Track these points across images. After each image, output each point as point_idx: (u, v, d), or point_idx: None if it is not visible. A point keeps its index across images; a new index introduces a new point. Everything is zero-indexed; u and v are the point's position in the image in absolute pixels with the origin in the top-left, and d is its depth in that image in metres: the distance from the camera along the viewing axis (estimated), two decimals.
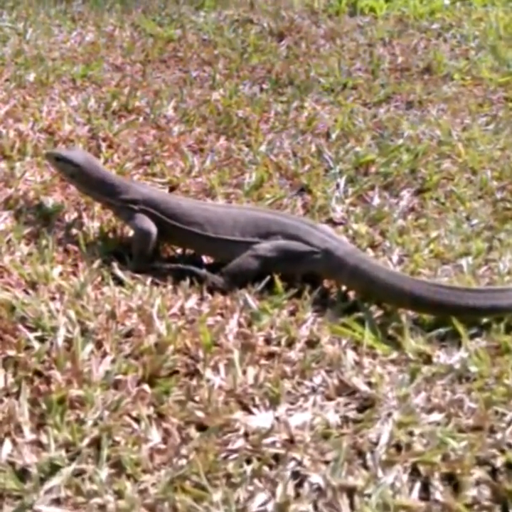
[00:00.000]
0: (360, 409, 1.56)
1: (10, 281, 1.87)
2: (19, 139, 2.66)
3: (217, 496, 1.32)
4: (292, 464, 1.41)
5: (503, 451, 1.44)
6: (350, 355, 1.70)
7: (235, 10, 4.58)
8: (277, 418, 1.51)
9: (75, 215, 2.24)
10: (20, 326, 1.69)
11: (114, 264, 1.96)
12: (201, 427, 1.48)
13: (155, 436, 1.45)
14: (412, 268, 2.06)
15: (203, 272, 1.96)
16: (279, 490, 1.34)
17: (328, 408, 1.55)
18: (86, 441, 1.41)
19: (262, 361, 1.67)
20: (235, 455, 1.42)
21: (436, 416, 1.53)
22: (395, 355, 1.72)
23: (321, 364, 1.67)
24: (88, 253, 2.01)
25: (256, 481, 1.37)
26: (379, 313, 1.87)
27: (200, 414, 1.50)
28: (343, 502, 1.34)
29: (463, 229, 2.31)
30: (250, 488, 1.35)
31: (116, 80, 3.38)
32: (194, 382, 1.60)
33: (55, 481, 1.33)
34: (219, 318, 1.81)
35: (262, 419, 1.51)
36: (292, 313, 1.85)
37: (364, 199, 2.50)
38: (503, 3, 4.98)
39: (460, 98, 3.45)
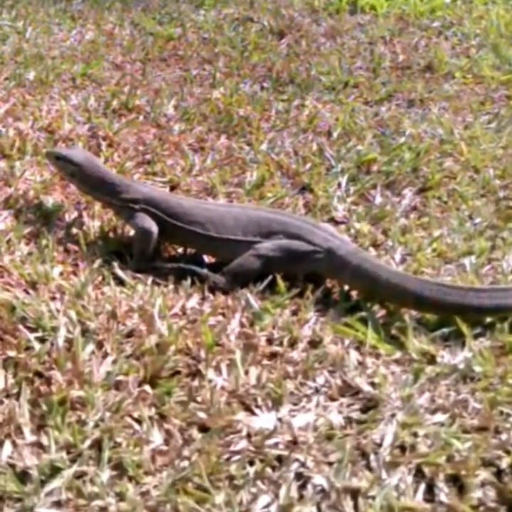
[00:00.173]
0: (364, 410, 1.54)
1: (10, 281, 1.87)
2: (19, 138, 2.65)
3: (219, 498, 1.31)
4: (295, 465, 1.39)
5: (508, 452, 1.43)
6: (353, 355, 1.69)
7: (235, 8, 4.56)
8: (280, 419, 1.50)
9: (75, 214, 2.23)
10: (20, 327, 1.68)
11: (115, 264, 1.95)
12: (203, 428, 1.47)
13: (157, 437, 1.44)
14: (415, 267, 2.05)
15: (205, 271, 1.94)
16: (282, 492, 1.33)
17: (332, 409, 1.54)
18: (87, 442, 1.40)
19: (265, 361, 1.66)
20: (237, 456, 1.41)
21: (440, 416, 1.52)
22: (398, 355, 1.71)
23: (323, 364, 1.66)
24: (89, 253, 2.00)
25: (259, 482, 1.36)
26: (382, 312, 1.86)
27: (202, 415, 1.49)
28: (347, 504, 1.33)
29: (466, 228, 2.29)
30: (253, 489, 1.34)
31: (116, 78, 3.37)
32: (196, 382, 1.59)
33: (56, 483, 1.32)
34: (221, 318, 1.80)
35: (264, 420, 1.50)
36: (294, 313, 1.84)
37: (366, 198, 2.49)
38: (504, 1, 4.96)
39: (461, 96, 3.44)
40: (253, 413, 1.52)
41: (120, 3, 4.57)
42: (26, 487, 1.32)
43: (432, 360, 1.69)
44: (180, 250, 2.11)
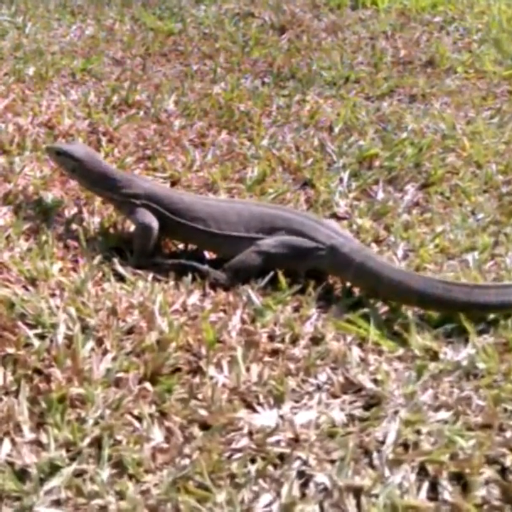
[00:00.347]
0: (366, 407, 1.53)
1: (9, 277, 1.85)
2: (18, 134, 2.64)
3: (221, 497, 1.30)
4: (297, 463, 1.38)
5: None
6: (356, 352, 1.68)
7: (236, 3, 4.55)
8: (282, 416, 1.49)
9: (75, 210, 2.22)
10: (19, 323, 1.67)
11: (115, 260, 1.94)
12: (204, 426, 1.46)
13: (157, 435, 1.43)
14: (418, 263, 2.03)
15: (206, 267, 1.93)
16: (284, 490, 1.32)
17: (334, 406, 1.53)
18: (87, 440, 1.39)
19: (266, 358, 1.65)
20: (239, 454, 1.39)
21: (443, 414, 1.50)
22: (401, 351, 1.69)
23: (325, 361, 1.65)
24: (88, 249, 1.99)
25: (261, 481, 1.34)
26: (384, 309, 1.84)
27: (203, 412, 1.48)
28: (350, 502, 1.31)
29: (468, 223, 2.28)
30: (255, 488, 1.33)
31: (116, 73, 3.36)
32: (197, 379, 1.57)
33: (55, 481, 1.31)
34: (222, 314, 1.79)
35: (266, 417, 1.48)
36: (296, 310, 1.82)
37: (368, 193, 2.47)
38: None
39: (463, 91, 3.42)
40: (254, 410, 1.51)
41: None
42: (25, 485, 1.30)
43: (434, 356, 1.68)
44: (181, 246, 2.10)
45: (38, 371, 1.56)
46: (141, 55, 3.67)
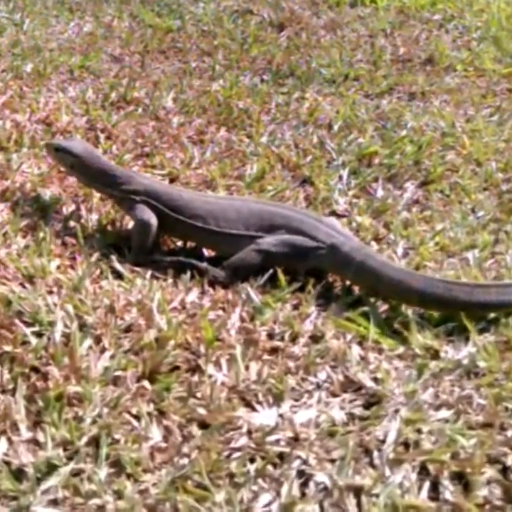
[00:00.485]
0: (367, 406, 1.52)
1: (6, 274, 1.84)
2: (16, 130, 2.62)
3: (220, 497, 1.29)
4: (297, 462, 1.37)
5: None
6: (356, 350, 1.67)
7: (235, 0, 4.53)
8: (281, 415, 1.48)
9: (73, 207, 2.20)
10: (16, 321, 1.65)
11: (113, 257, 1.93)
12: (203, 425, 1.44)
13: (155, 434, 1.42)
14: (418, 261, 2.02)
15: (204, 265, 1.92)
16: (284, 490, 1.31)
17: (334, 405, 1.52)
18: (84, 439, 1.37)
19: (265, 357, 1.64)
20: (238, 454, 1.38)
21: (444, 413, 1.49)
22: (401, 350, 1.68)
23: (325, 359, 1.63)
24: (86, 246, 1.97)
25: (260, 480, 1.33)
26: (384, 307, 1.83)
27: (201, 411, 1.46)
28: (350, 502, 1.30)
29: (468, 221, 2.27)
30: (254, 488, 1.32)
31: (114, 70, 3.34)
32: (195, 378, 1.56)
33: (53, 481, 1.29)
34: (221, 312, 1.78)
35: (265, 416, 1.47)
36: (296, 308, 1.81)
37: (367, 191, 2.46)
38: None
39: (463, 89, 3.41)
40: (254, 409, 1.49)
41: None
42: (22, 485, 1.29)
43: (435, 355, 1.67)
44: (179, 243, 2.09)
45: (35, 369, 1.54)
46: (139, 52, 3.65)
